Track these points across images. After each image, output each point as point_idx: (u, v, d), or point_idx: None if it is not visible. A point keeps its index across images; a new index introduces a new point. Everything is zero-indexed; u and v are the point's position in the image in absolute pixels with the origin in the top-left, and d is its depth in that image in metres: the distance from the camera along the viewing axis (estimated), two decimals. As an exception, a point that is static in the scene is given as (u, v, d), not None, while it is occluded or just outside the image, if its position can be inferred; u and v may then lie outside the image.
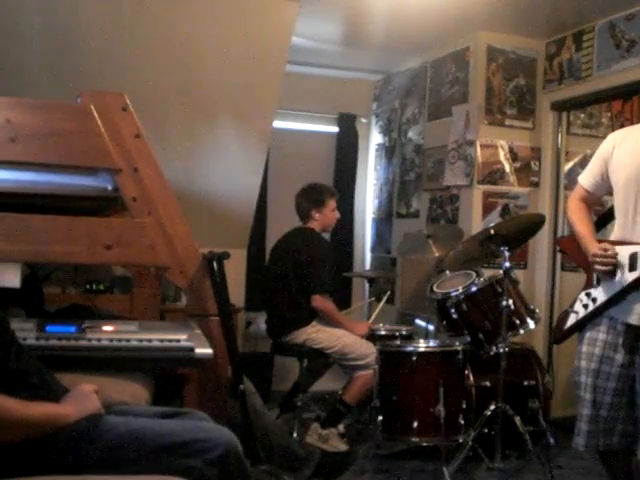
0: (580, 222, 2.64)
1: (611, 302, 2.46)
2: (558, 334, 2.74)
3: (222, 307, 2.66)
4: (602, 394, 2.50)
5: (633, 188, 2.46)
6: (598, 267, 2.47)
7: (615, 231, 2.56)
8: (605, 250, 2.45)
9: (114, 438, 1.82)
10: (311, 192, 4.14)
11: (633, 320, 2.42)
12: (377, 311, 4.54)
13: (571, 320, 2.61)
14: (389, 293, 4.80)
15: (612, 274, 2.44)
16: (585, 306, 2.55)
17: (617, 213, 2.55)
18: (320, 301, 3.92)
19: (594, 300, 2.52)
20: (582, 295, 2.59)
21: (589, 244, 2.54)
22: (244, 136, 4.57)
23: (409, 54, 5.18)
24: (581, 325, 2.58)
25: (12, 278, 2.50)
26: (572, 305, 2.64)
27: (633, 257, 2.39)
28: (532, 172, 4.68)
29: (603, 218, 3.03)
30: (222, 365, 2.67)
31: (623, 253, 2.43)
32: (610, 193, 2.62)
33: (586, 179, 2.69)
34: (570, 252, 2.80)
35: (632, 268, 2.38)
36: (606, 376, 2.49)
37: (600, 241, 2.55)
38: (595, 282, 2.54)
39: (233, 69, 4.23)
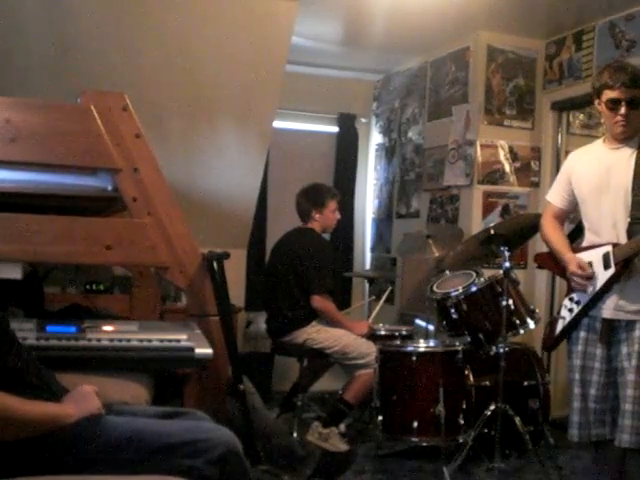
0: (555, 239, 2.85)
1: (593, 301, 2.65)
2: (549, 342, 2.92)
3: (222, 307, 2.66)
4: (588, 387, 2.68)
5: (596, 197, 2.68)
6: (576, 286, 2.69)
7: (586, 237, 2.78)
8: (581, 268, 2.65)
9: (114, 438, 1.82)
10: (312, 192, 4.14)
11: (606, 314, 2.63)
12: (377, 309, 4.54)
13: (559, 326, 2.80)
14: (390, 289, 4.77)
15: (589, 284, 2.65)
16: (570, 310, 2.75)
17: (584, 221, 2.79)
18: (320, 301, 3.93)
19: (578, 303, 2.71)
20: (566, 301, 2.79)
21: (565, 257, 2.74)
22: (244, 136, 4.57)
23: (409, 54, 5.18)
24: (570, 328, 2.76)
25: (14, 271, 2.50)
26: (559, 312, 2.84)
27: (606, 256, 2.60)
28: (532, 172, 4.68)
29: (576, 231, 3.27)
30: (222, 365, 2.66)
31: (597, 255, 2.64)
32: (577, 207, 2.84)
33: (555, 197, 2.93)
34: (547, 266, 3.07)
35: (607, 266, 2.59)
36: (590, 371, 2.68)
37: (574, 249, 2.77)
38: None
39: (233, 69, 4.23)
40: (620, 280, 2.58)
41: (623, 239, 2.59)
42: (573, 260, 2.70)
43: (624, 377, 2.56)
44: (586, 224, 2.77)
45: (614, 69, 2.59)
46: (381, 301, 4.58)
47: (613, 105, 2.56)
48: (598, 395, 2.65)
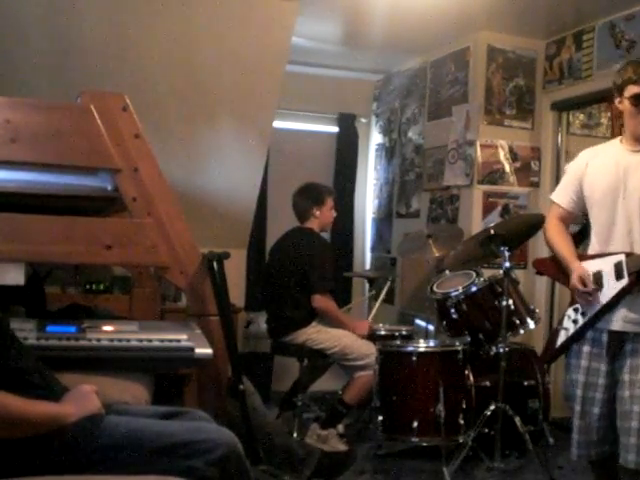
0: (561, 244, 2.68)
1: (602, 313, 2.50)
2: (549, 354, 2.80)
3: (222, 307, 2.66)
4: (591, 405, 2.54)
5: (608, 202, 2.52)
6: (580, 301, 2.54)
7: (593, 244, 2.62)
8: (582, 283, 2.50)
9: (114, 438, 1.82)
10: (310, 191, 4.15)
11: (615, 326, 2.48)
12: (377, 306, 4.54)
13: (562, 337, 2.65)
14: (389, 284, 4.73)
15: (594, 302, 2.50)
16: (575, 321, 2.59)
17: (594, 226, 2.61)
18: (321, 301, 3.92)
19: (583, 314, 2.55)
20: (570, 311, 2.63)
21: (571, 266, 2.58)
22: (244, 136, 4.57)
23: (409, 54, 5.18)
24: (573, 341, 2.61)
25: (16, 276, 2.50)
26: (561, 322, 2.68)
27: (618, 266, 2.45)
28: (532, 172, 4.68)
29: (580, 234, 3.15)
30: (222, 365, 2.66)
31: (607, 264, 2.48)
32: (584, 210, 2.68)
33: (563, 198, 2.73)
34: (548, 272, 2.89)
35: (619, 277, 2.44)
36: (594, 387, 2.54)
37: (582, 257, 2.61)
38: None
39: (233, 69, 4.23)
40: (632, 292, 2.43)
41: (638, 248, 2.45)
42: (577, 271, 2.54)
43: (624, 391, 2.43)
44: (595, 229, 2.60)
45: (638, 64, 2.45)
46: (380, 298, 4.57)
47: (638, 101, 2.42)
48: (602, 413, 2.52)
